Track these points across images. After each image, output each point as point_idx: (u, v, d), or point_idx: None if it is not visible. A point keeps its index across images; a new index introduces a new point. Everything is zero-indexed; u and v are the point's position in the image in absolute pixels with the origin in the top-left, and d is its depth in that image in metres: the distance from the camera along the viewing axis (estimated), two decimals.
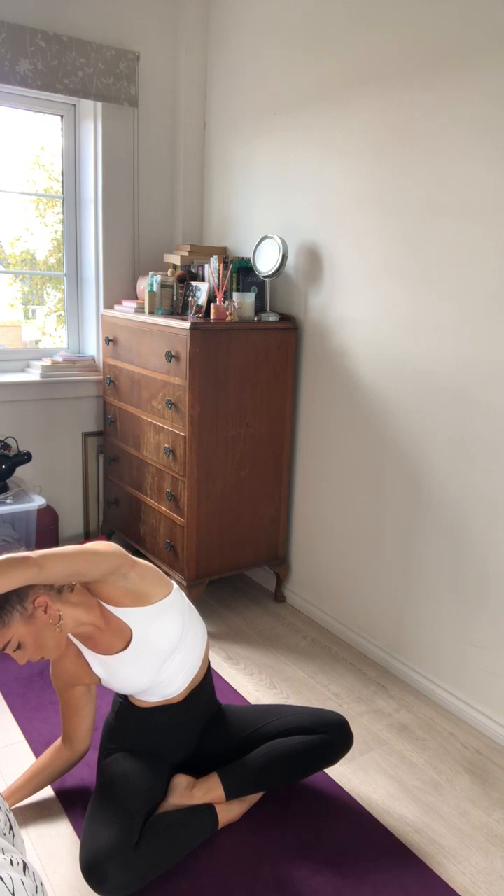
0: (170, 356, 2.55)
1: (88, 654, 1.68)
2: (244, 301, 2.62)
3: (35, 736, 2.04)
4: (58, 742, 1.79)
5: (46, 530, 2.98)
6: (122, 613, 1.62)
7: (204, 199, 3.24)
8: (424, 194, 2.15)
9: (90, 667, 1.69)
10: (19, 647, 1.52)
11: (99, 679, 1.70)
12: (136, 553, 3.02)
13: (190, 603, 1.77)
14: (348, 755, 1.99)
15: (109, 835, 1.50)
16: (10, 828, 1.25)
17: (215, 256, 2.71)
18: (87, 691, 1.76)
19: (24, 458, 2.88)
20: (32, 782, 1.76)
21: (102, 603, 1.62)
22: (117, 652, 1.64)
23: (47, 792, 1.83)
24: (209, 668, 1.85)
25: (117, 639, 1.64)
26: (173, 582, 1.73)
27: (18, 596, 1.50)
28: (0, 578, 1.36)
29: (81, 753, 1.79)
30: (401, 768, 1.99)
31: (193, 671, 1.75)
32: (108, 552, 1.53)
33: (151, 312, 2.82)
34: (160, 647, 1.65)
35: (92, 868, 1.46)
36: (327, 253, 2.55)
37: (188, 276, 2.86)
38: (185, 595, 1.76)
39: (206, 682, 1.83)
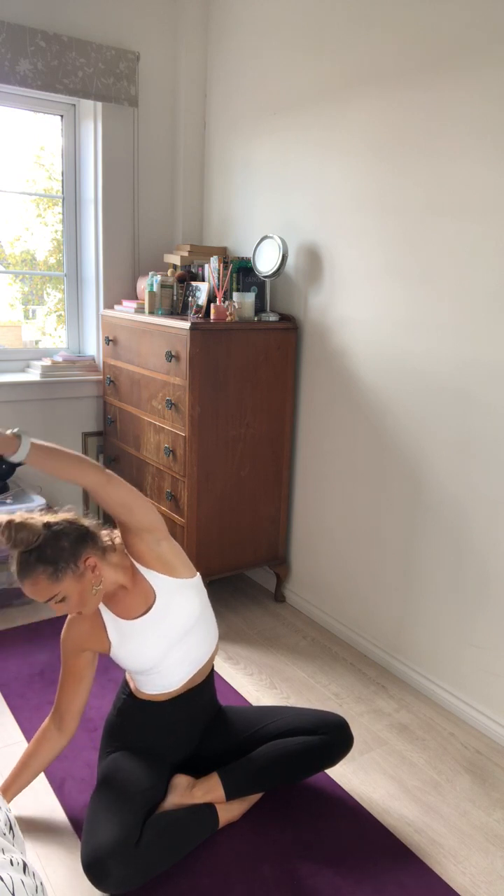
0: (170, 356, 2.55)
1: (107, 616, 1.68)
2: (244, 301, 2.62)
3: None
4: (44, 727, 1.75)
5: None
6: (151, 576, 1.66)
7: (204, 199, 3.24)
8: (424, 194, 2.15)
9: (105, 631, 1.69)
10: (63, 599, 1.55)
11: (109, 646, 1.69)
12: None
13: (208, 600, 1.79)
14: (348, 755, 1.98)
15: (111, 832, 1.50)
16: (10, 828, 1.25)
17: (215, 256, 2.71)
18: (92, 661, 1.75)
19: None
20: (25, 774, 1.73)
21: (135, 563, 1.66)
22: (136, 617, 1.66)
23: (47, 792, 1.83)
24: (212, 670, 1.85)
25: (140, 603, 1.66)
26: (197, 572, 1.76)
27: (74, 555, 1.54)
28: (78, 468, 1.47)
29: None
30: (401, 768, 1.99)
31: (197, 664, 1.75)
32: (154, 508, 1.62)
33: (151, 312, 2.82)
34: (176, 622, 1.67)
35: (93, 865, 1.47)
36: (327, 253, 2.55)
37: (188, 276, 2.86)
38: (204, 589, 1.78)
39: (208, 683, 1.83)
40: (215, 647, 1.81)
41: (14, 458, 1.42)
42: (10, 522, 1.49)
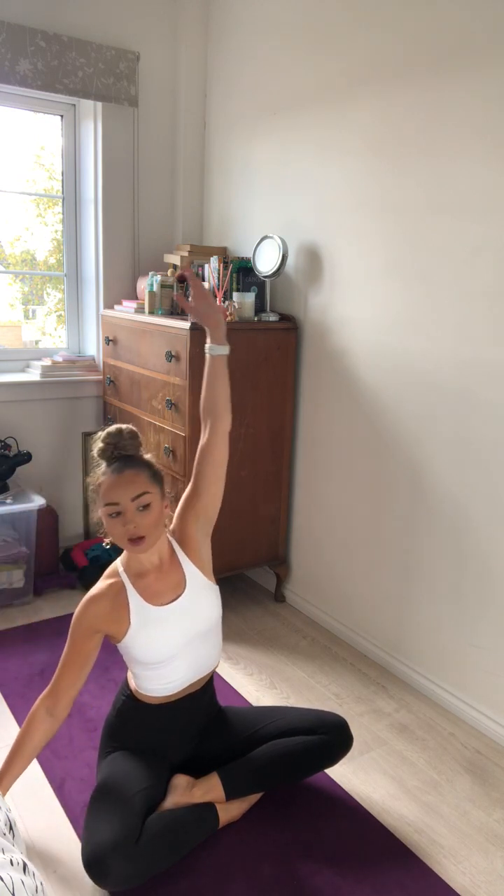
0: (170, 356, 2.55)
1: (133, 598, 1.67)
2: (244, 301, 2.62)
3: None
4: (36, 712, 1.68)
5: (46, 530, 2.98)
6: (186, 565, 1.73)
7: (204, 199, 3.24)
8: (424, 194, 2.15)
9: (128, 612, 1.66)
10: (147, 506, 1.59)
11: (127, 629, 1.66)
12: None
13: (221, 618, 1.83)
14: (348, 755, 1.98)
15: (111, 830, 1.50)
16: (10, 827, 1.25)
17: (215, 256, 2.71)
18: (99, 646, 1.70)
19: (24, 458, 2.88)
20: (18, 763, 1.67)
21: (177, 547, 1.74)
22: (161, 604, 1.68)
23: (47, 792, 1.83)
24: (212, 675, 1.85)
25: (169, 589, 1.69)
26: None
27: (162, 484, 1.66)
28: (228, 400, 1.72)
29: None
30: (401, 768, 1.99)
31: (199, 673, 1.76)
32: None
33: (151, 312, 2.82)
34: (197, 620, 1.70)
35: (94, 862, 1.47)
36: (327, 253, 2.55)
37: None
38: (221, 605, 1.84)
39: (208, 687, 1.84)
40: (217, 663, 1.83)
41: (214, 350, 1.71)
42: (131, 429, 1.66)
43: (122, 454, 1.63)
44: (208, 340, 1.72)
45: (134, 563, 1.70)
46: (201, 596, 1.72)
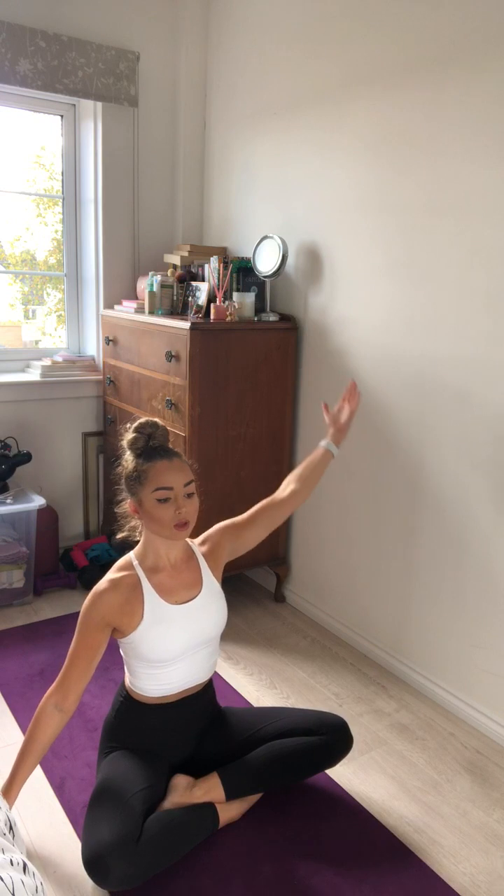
0: (170, 356, 2.55)
1: (149, 593, 1.67)
2: (244, 301, 2.62)
3: None
4: (44, 708, 1.64)
5: (46, 530, 2.98)
6: (206, 571, 1.77)
7: (204, 199, 3.24)
8: (424, 194, 2.15)
9: (142, 606, 1.66)
10: (191, 496, 1.66)
11: (138, 624, 1.65)
12: None
13: None
14: (348, 755, 1.98)
15: (111, 829, 1.50)
16: (10, 827, 1.25)
17: (215, 256, 2.71)
18: (107, 640, 1.69)
19: (24, 458, 2.88)
20: (28, 762, 1.64)
21: (198, 552, 1.79)
22: (176, 602, 1.70)
23: (47, 792, 1.83)
24: (210, 678, 1.85)
25: (183, 589, 1.72)
26: None
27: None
28: (317, 484, 1.92)
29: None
30: (401, 768, 1.99)
31: (196, 680, 1.77)
32: None
33: (151, 312, 2.82)
34: (206, 624, 1.72)
35: (94, 861, 1.47)
36: (327, 253, 2.55)
37: (188, 276, 2.86)
38: None
39: (206, 689, 1.83)
40: (211, 673, 1.83)
41: (330, 446, 1.94)
42: (164, 425, 1.72)
43: (156, 445, 1.68)
44: (328, 437, 1.94)
45: (150, 556, 1.71)
46: (214, 601, 1.75)
